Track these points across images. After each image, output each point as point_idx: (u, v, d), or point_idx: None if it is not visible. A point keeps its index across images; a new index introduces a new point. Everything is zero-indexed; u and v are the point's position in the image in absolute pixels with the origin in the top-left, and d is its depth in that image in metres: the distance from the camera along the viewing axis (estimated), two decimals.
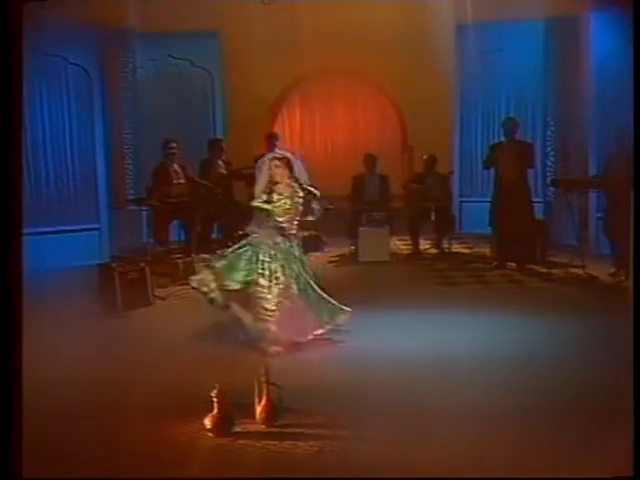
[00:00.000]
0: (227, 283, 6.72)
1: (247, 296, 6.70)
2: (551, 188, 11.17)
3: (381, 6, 12.42)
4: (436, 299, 8.48)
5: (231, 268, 6.74)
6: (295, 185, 6.84)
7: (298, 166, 6.94)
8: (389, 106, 14.93)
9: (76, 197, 10.92)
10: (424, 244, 11.30)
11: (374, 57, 13.12)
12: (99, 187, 11.04)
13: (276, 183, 6.81)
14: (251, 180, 11.29)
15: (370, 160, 11.25)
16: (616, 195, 8.71)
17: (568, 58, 11.30)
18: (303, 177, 6.94)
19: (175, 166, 10.28)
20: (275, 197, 6.79)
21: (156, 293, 8.65)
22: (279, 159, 6.87)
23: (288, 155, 6.96)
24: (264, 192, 6.82)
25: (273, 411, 5.01)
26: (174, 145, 10.28)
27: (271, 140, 11.86)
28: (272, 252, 6.73)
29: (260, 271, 6.67)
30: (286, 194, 6.82)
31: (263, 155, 11.54)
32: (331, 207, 7.31)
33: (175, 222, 10.33)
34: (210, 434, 4.85)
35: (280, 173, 6.81)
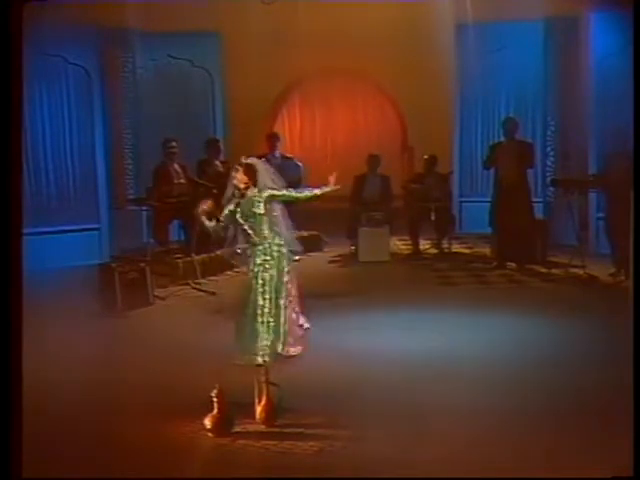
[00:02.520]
0: None
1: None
2: (551, 188, 11.17)
3: (381, 6, 12.41)
4: (436, 299, 8.47)
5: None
6: (256, 191, 6.21)
7: (268, 172, 6.33)
8: (389, 106, 14.92)
9: (76, 197, 10.90)
10: (424, 244, 11.29)
11: (374, 57, 13.12)
12: (99, 187, 11.01)
13: (238, 190, 6.23)
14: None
15: (374, 160, 11.24)
16: (616, 195, 8.71)
17: (568, 58, 11.29)
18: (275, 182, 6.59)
19: (175, 166, 10.27)
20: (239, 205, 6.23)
21: (156, 293, 8.66)
22: (239, 165, 6.23)
23: (253, 161, 6.29)
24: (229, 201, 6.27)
25: (273, 411, 5.01)
26: (174, 144, 10.27)
27: (272, 140, 11.87)
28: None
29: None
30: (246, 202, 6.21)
31: (265, 155, 11.67)
32: None
33: (175, 222, 10.32)
34: (210, 434, 4.85)
35: (239, 178, 6.20)
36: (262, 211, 6.32)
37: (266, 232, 6.32)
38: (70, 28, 10.29)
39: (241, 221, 6.27)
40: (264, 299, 6.13)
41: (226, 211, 6.33)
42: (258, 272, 6.18)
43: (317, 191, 6.46)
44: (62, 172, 10.83)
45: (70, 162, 10.88)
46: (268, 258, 6.22)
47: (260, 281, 6.15)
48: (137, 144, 11.63)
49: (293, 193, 6.50)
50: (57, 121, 10.74)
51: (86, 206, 10.90)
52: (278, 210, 6.43)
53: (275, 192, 6.39)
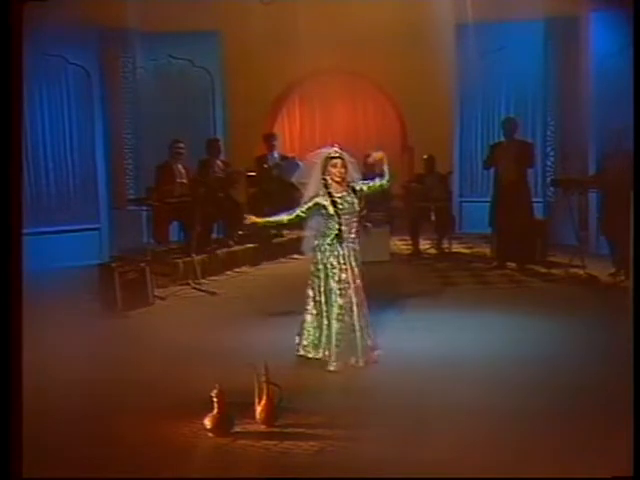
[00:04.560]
0: None
1: None
2: (551, 188, 11.19)
3: (381, 6, 12.41)
4: (436, 299, 8.48)
5: None
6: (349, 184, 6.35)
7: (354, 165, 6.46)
8: (389, 106, 14.92)
9: (76, 197, 10.91)
10: (424, 244, 11.30)
11: (374, 57, 13.12)
12: (99, 187, 11.02)
13: (334, 183, 6.28)
14: (252, 181, 11.43)
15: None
16: (614, 195, 8.71)
17: (568, 58, 11.30)
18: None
19: (179, 166, 10.28)
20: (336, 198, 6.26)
21: (156, 293, 8.65)
22: (336, 158, 6.29)
23: (343, 154, 6.36)
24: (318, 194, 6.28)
25: (273, 411, 5.01)
26: (182, 145, 10.28)
27: (269, 140, 11.89)
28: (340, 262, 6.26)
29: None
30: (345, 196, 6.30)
31: (264, 155, 11.69)
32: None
33: (175, 222, 10.32)
34: (210, 434, 4.85)
35: (338, 171, 6.26)
36: (357, 208, 6.32)
37: (355, 229, 6.32)
38: (70, 28, 10.29)
39: (334, 214, 6.20)
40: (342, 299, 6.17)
41: (310, 204, 6.27)
42: (336, 270, 6.19)
43: (386, 177, 6.52)
44: (62, 172, 10.84)
45: (70, 162, 10.89)
46: (346, 255, 6.22)
47: (337, 278, 6.17)
48: (137, 144, 11.63)
49: (377, 183, 6.51)
50: (57, 121, 10.75)
51: (86, 206, 10.91)
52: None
53: (364, 185, 6.40)
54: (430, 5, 11.42)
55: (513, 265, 9.91)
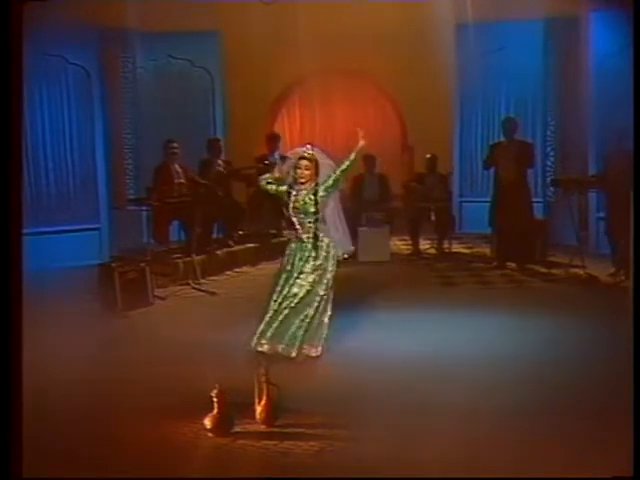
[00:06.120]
0: None
1: None
2: (551, 188, 11.19)
3: (381, 6, 12.40)
4: (436, 299, 8.48)
5: None
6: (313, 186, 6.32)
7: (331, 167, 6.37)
8: (389, 106, 14.92)
9: (76, 197, 10.91)
10: (424, 244, 11.31)
11: (374, 57, 13.12)
12: (99, 187, 11.02)
13: (300, 183, 6.31)
14: (251, 180, 11.41)
15: (369, 160, 11.25)
16: (616, 195, 8.71)
17: (568, 58, 11.31)
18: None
19: (176, 166, 10.28)
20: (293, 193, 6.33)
21: (156, 293, 8.66)
22: (303, 159, 6.30)
23: (316, 155, 6.33)
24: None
25: (273, 411, 5.01)
26: (175, 145, 10.27)
27: (273, 141, 11.87)
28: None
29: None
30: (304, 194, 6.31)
31: (265, 155, 11.68)
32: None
33: (175, 222, 10.32)
34: (210, 434, 4.85)
35: (304, 173, 6.26)
36: (314, 209, 6.30)
37: (314, 229, 6.31)
38: (70, 28, 10.30)
39: (292, 214, 6.31)
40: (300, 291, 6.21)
41: (272, 187, 6.41)
42: (298, 266, 6.25)
43: (352, 155, 6.34)
44: (62, 172, 10.84)
45: (70, 162, 10.90)
46: (312, 255, 6.26)
47: (300, 275, 6.23)
48: (137, 144, 11.63)
49: (338, 172, 6.32)
50: (57, 121, 10.76)
51: (86, 206, 10.92)
52: (331, 209, 6.47)
53: (328, 183, 6.28)
54: (430, 5, 11.41)
55: (513, 265, 9.91)
